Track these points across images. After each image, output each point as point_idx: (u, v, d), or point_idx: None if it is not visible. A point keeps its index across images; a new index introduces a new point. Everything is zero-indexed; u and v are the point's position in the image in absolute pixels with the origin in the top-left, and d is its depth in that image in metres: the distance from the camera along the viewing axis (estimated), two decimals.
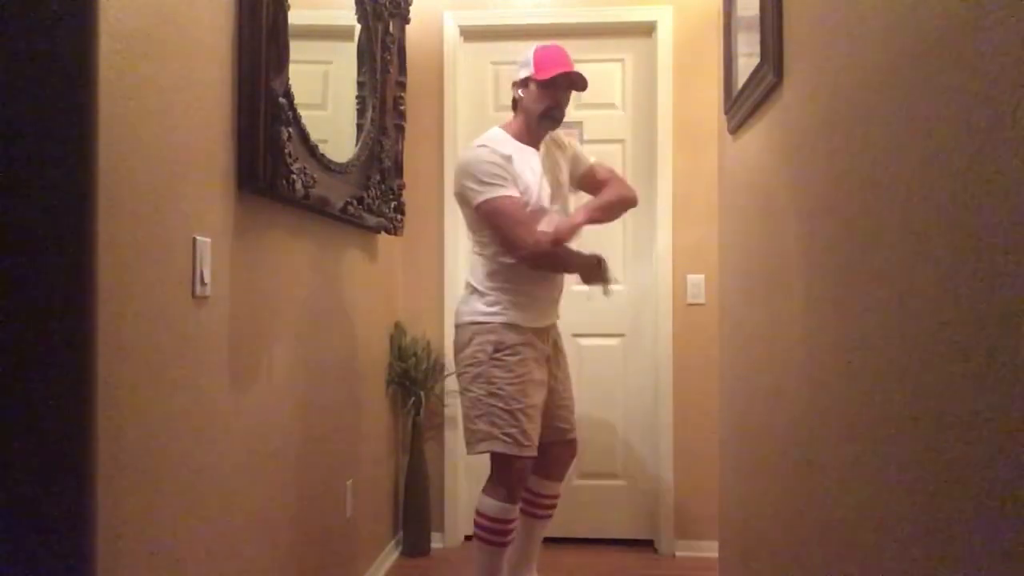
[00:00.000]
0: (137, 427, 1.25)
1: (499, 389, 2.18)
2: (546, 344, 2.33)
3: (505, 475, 2.20)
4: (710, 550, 2.90)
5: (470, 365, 2.23)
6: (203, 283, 1.47)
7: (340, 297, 2.41)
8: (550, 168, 2.35)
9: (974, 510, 0.78)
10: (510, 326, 2.22)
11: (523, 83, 2.31)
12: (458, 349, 2.29)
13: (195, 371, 1.46)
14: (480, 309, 2.25)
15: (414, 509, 3.10)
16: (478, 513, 2.26)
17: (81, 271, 0.61)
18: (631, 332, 3.24)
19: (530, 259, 2.19)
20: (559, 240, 2.18)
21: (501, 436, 2.17)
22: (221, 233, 1.56)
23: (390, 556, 3.03)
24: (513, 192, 2.20)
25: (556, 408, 2.38)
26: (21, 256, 0.58)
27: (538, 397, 2.25)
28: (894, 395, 0.98)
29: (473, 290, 2.29)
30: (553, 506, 2.47)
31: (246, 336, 1.69)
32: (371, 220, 2.54)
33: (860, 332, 1.12)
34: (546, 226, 2.20)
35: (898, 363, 0.97)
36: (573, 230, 2.20)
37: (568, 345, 2.62)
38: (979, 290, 0.77)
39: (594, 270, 2.26)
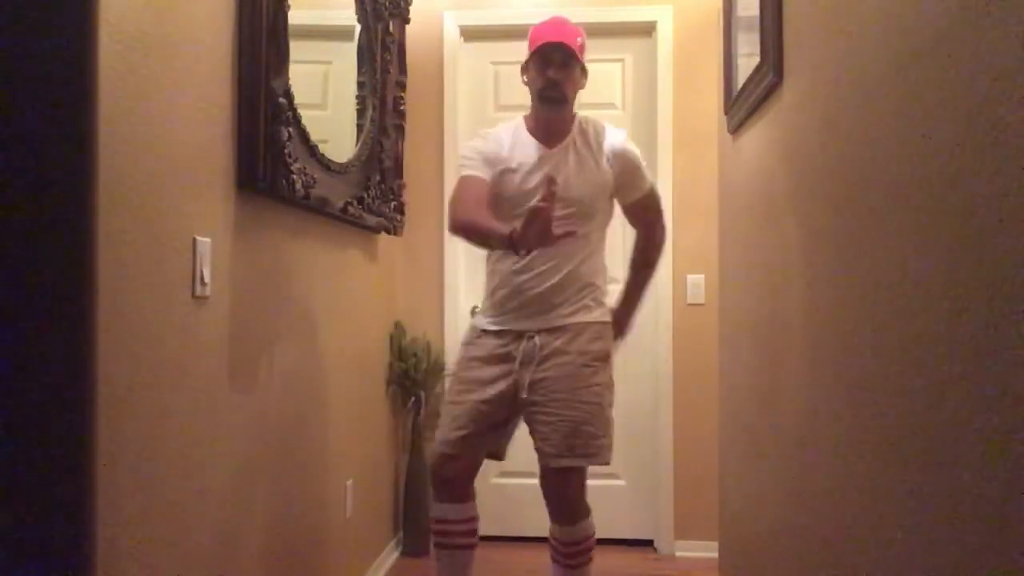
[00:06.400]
0: (137, 427, 1.25)
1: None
2: (513, 346, 2.07)
3: None
4: (710, 550, 2.89)
5: None
6: (203, 283, 1.47)
7: (340, 297, 2.41)
8: (562, 169, 2.04)
9: (973, 510, 0.78)
10: (471, 328, 2.19)
11: (525, 66, 2.12)
12: None
13: (195, 371, 1.45)
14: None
15: (414, 509, 3.10)
16: None
17: (81, 271, 0.61)
18: (631, 332, 3.23)
19: (452, 232, 2.05)
20: (464, 226, 1.98)
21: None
22: (221, 233, 1.56)
23: (390, 556, 3.03)
24: (478, 173, 2.05)
25: (534, 424, 2.06)
26: (21, 256, 0.58)
27: (467, 395, 2.08)
28: (894, 394, 0.98)
29: None
30: (567, 554, 2.11)
31: (246, 336, 1.69)
32: (371, 220, 2.54)
33: (860, 332, 1.11)
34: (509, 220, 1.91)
35: (898, 362, 0.97)
36: (489, 232, 1.90)
37: None
38: (979, 290, 0.77)
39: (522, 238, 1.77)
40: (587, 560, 2.15)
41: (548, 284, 2.05)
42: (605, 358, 2.06)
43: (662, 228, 2.24)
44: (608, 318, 2.13)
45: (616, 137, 2.12)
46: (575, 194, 2.02)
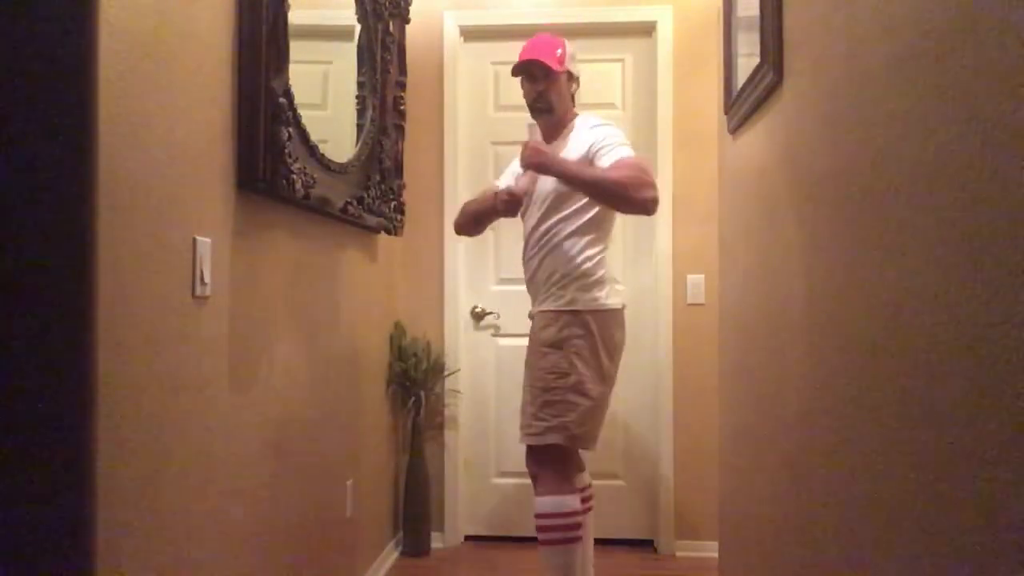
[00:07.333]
0: (137, 427, 1.25)
1: None
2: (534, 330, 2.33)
3: None
4: (710, 550, 2.90)
5: None
6: (203, 283, 1.47)
7: (340, 297, 2.41)
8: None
9: (974, 510, 0.78)
10: None
11: (521, 82, 2.37)
12: None
13: (195, 371, 1.45)
14: None
15: (414, 509, 3.10)
16: None
17: (81, 271, 0.61)
18: (630, 332, 3.21)
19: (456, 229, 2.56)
20: (460, 216, 2.48)
21: None
22: (221, 233, 1.56)
23: (390, 556, 3.03)
24: (497, 183, 2.48)
25: None
26: (21, 256, 0.58)
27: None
28: (894, 395, 0.98)
29: None
30: (536, 526, 2.20)
31: (246, 336, 1.69)
32: (371, 220, 2.54)
33: (860, 333, 1.12)
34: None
35: (898, 363, 0.97)
36: (478, 205, 2.41)
37: None
38: (980, 289, 0.77)
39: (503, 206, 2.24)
40: (552, 539, 2.16)
41: (529, 274, 2.35)
42: (556, 344, 2.19)
43: (640, 184, 2.05)
44: (576, 307, 2.21)
45: (584, 126, 2.28)
46: (545, 188, 2.26)
